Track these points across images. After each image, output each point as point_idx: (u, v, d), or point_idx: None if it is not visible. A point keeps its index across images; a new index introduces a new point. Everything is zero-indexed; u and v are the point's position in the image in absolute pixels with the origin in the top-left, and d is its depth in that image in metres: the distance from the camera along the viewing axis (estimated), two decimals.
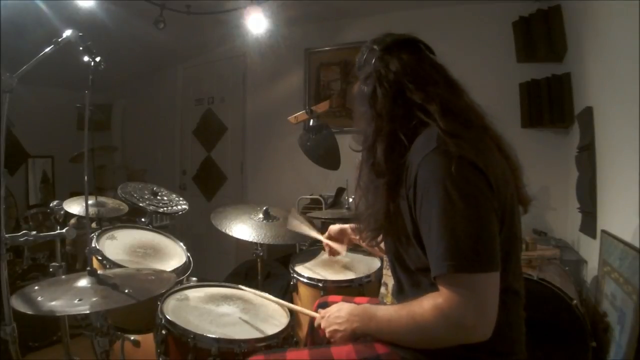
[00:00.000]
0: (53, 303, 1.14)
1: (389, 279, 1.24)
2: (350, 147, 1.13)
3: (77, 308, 1.14)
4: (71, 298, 1.17)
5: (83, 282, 1.27)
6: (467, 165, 0.87)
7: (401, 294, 1.07)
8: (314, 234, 1.73)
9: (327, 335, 1.11)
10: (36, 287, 1.25)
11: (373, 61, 1.06)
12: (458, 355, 0.93)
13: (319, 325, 1.16)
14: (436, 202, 0.87)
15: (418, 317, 0.91)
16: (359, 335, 1.05)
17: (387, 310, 1.02)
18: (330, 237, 1.65)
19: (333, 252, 1.64)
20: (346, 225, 1.62)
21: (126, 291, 1.23)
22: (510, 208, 0.96)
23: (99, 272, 1.33)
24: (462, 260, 0.84)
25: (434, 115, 0.95)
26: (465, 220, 0.85)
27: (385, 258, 1.43)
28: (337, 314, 1.10)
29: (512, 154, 1.07)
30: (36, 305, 1.14)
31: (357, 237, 1.56)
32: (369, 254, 1.96)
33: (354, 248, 1.82)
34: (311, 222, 1.88)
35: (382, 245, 1.15)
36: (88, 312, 1.17)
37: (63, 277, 1.53)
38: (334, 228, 1.64)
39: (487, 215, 0.88)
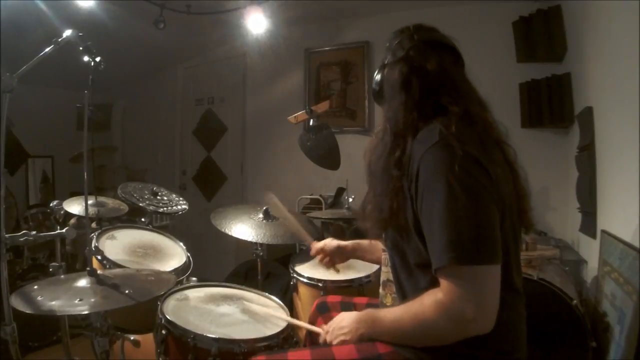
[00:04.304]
0: (53, 303, 1.14)
1: (387, 275, 1.23)
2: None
3: (77, 308, 1.14)
4: (71, 298, 1.17)
5: (83, 282, 1.27)
6: (468, 159, 0.88)
7: (400, 293, 1.07)
8: (303, 233, 1.67)
9: None
10: (36, 287, 1.25)
11: (408, 48, 1.05)
12: (460, 354, 0.93)
13: (324, 340, 1.13)
14: (438, 196, 0.87)
15: (420, 315, 0.91)
16: (365, 342, 1.04)
17: (390, 312, 1.02)
18: (323, 251, 1.57)
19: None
20: (344, 243, 1.55)
21: (126, 292, 1.22)
22: (510, 205, 0.96)
23: (99, 272, 1.33)
24: (463, 252, 0.84)
25: (450, 116, 0.95)
26: (466, 213, 0.85)
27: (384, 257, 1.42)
28: (341, 324, 1.09)
29: (522, 176, 1.06)
30: (36, 305, 1.13)
31: (355, 254, 1.54)
32: None
33: None
34: (311, 222, 1.87)
35: (379, 255, 1.14)
36: (88, 312, 1.17)
37: (63, 277, 1.53)
38: (331, 245, 1.55)
39: (488, 208, 0.88)
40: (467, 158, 0.88)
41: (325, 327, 1.17)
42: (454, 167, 0.86)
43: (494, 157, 0.96)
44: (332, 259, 1.56)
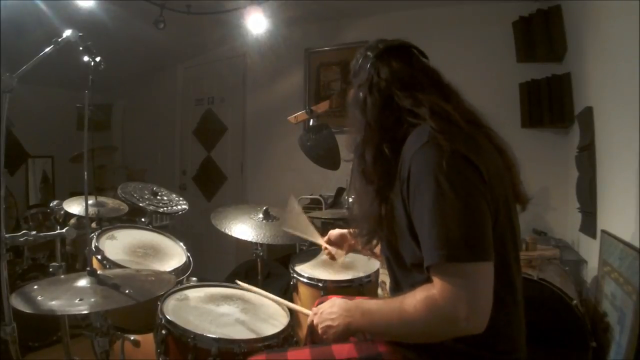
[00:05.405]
0: (53, 303, 1.14)
1: (386, 277, 1.24)
2: (343, 159, 1.16)
3: (77, 308, 1.14)
4: (71, 298, 1.17)
5: (83, 282, 1.27)
6: (458, 157, 0.88)
7: (398, 292, 1.07)
8: (313, 237, 1.72)
9: (319, 332, 1.10)
10: (36, 287, 1.25)
11: (367, 68, 1.08)
12: (459, 353, 0.92)
13: (312, 322, 1.15)
14: (428, 194, 0.87)
15: (410, 309, 0.90)
16: (352, 332, 1.05)
17: (380, 304, 1.02)
18: (330, 242, 1.65)
19: (332, 257, 1.66)
20: (346, 230, 1.62)
21: (126, 291, 1.22)
22: (505, 203, 0.95)
23: (99, 272, 1.33)
24: (453, 250, 0.84)
25: (423, 117, 0.96)
26: (456, 210, 0.85)
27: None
28: (330, 309, 1.09)
29: (508, 151, 1.07)
30: (36, 305, 1.13)
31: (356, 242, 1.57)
32: None
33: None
34: (311, 222, 1.88)
35: (377, 250, 1.15)
36: (88, 312, 1.17)
37: (63, 277, 1.53)
38: (334, 233, 1.64)
39: (478, 206, 0.88)
40: (456, 156, 0.88)
41: (315, 309, 1.18)
42: (443, 165, 0.86)
43: (483, 145, 0.97)
44: (339, 247, 1.64)
